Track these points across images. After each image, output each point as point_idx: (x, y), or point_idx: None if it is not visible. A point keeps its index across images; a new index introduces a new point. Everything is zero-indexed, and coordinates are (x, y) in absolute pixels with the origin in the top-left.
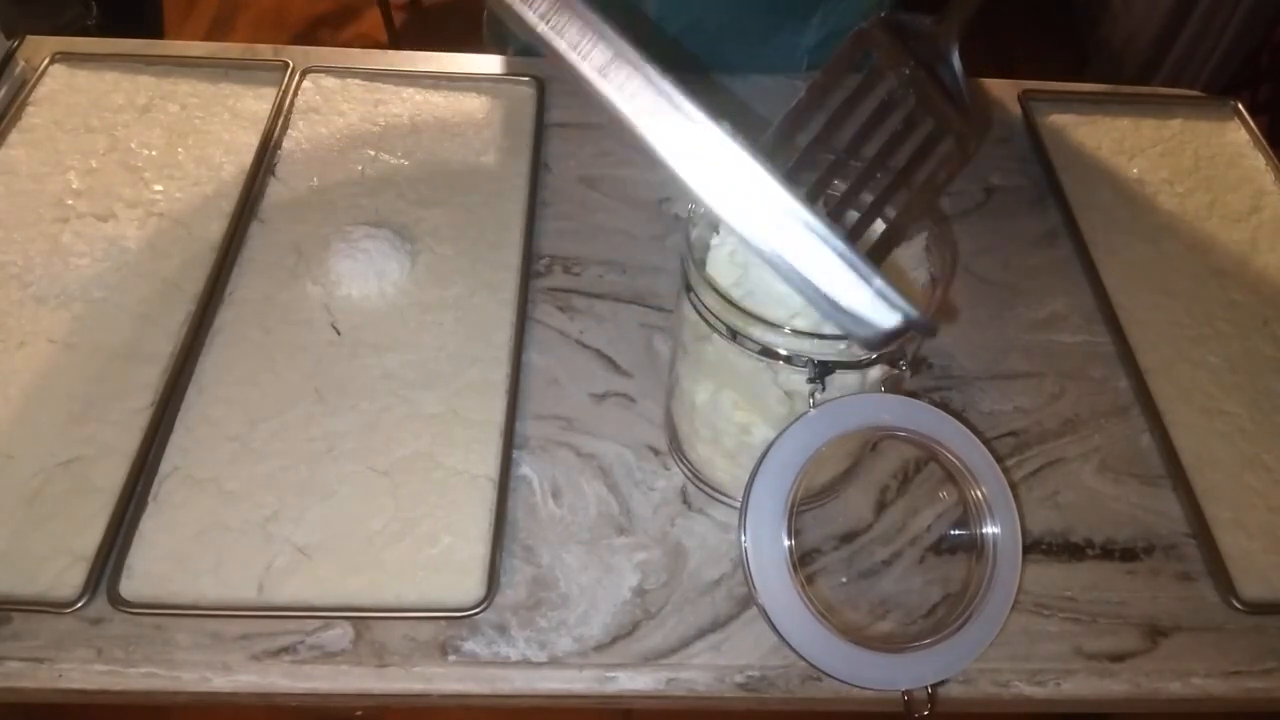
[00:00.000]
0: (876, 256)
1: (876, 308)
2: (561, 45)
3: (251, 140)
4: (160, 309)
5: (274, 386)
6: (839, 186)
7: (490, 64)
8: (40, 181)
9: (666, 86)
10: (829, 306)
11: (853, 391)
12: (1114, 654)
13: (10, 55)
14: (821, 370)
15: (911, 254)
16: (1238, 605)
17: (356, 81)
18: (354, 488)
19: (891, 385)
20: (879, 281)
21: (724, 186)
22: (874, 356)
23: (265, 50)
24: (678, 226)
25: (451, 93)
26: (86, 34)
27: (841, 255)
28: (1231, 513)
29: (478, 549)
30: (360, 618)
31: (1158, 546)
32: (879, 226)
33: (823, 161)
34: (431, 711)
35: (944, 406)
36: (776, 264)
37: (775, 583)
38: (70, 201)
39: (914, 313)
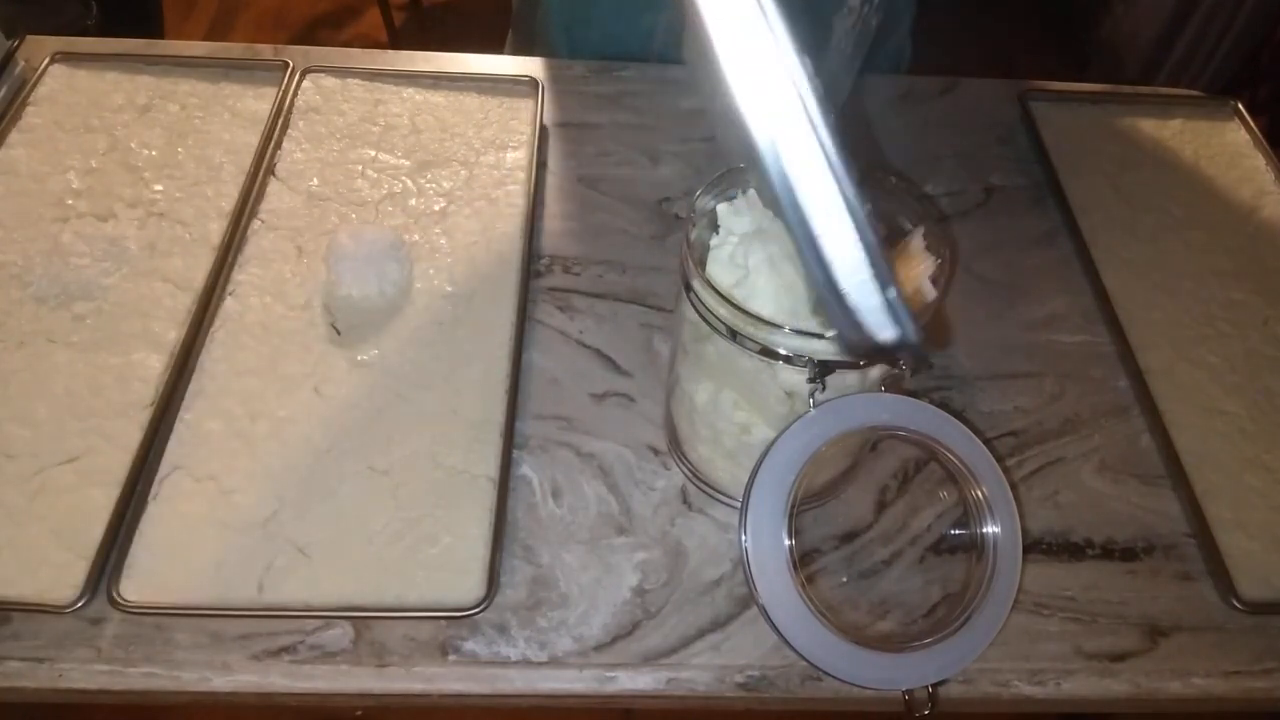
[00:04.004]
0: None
1: (878, 316)
2: None
3: (251, 140)
4: (160, 309)
5: (274, 386)
6: None
7: (490, 64)
8: (40, 181)
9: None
10: (833, 297)
11: (853, 391)
12: (1114, 654)
13: (10, 55)
14: (821, 370)
15: (915, 247)
16: (1238, 605)
17: (356, 81)
18: (354, 487)
19: (891, 385)
20: (893, 292)
21: (780, 131)
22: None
23: (265, 50)
24: (678, 226)
25: (451, 93)
26: (86, 34)
27: (869, 253)
28: (1231, 513)
29: (478, 549)
30: (360, 618)
31: (1158, 546)
32: None
33: None
34: (431, 711)
35: (944, 406)
36: (798, 231)
37: (775, 582)
38: (70, 201)
39: (914, 334)
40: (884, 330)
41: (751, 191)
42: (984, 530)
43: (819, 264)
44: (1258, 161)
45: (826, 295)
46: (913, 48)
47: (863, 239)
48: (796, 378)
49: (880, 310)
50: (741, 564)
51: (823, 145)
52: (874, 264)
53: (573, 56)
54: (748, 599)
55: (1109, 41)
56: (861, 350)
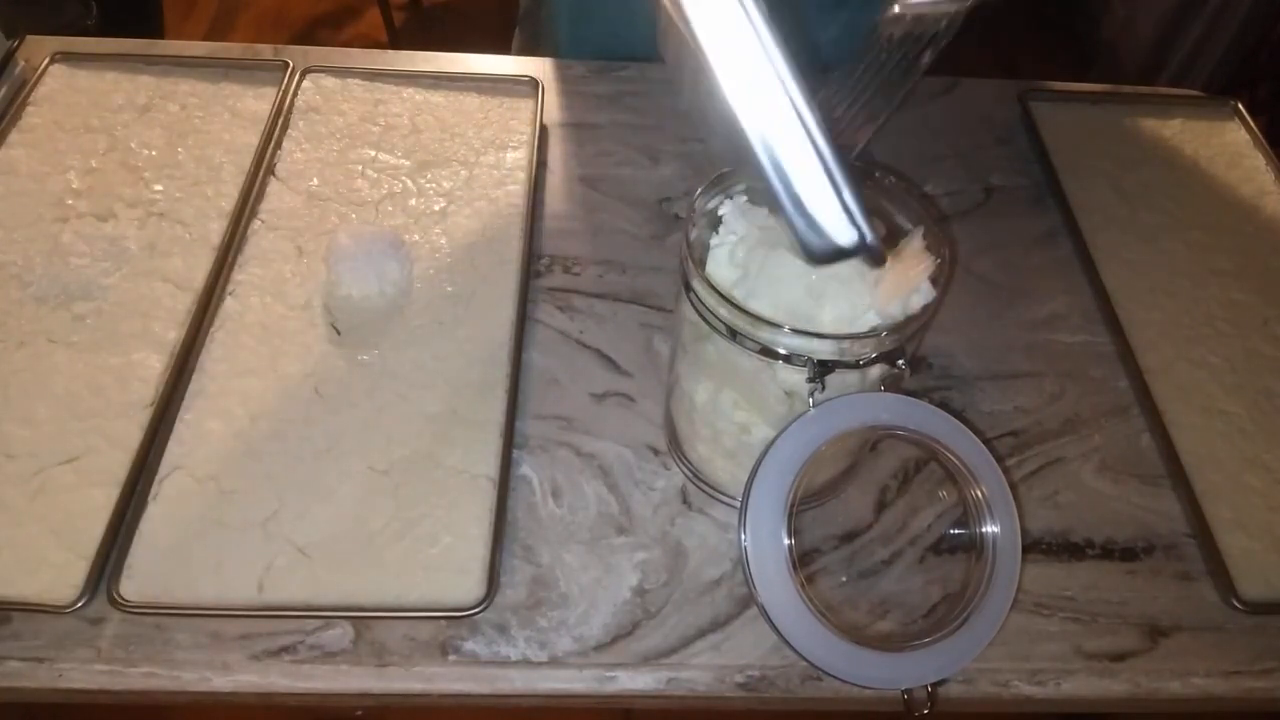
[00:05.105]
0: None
1: (836, 219)
2: None
3: (251, 140)
4: (160, 309)
5: (274, 386)
6: None
7: (490, 64)
8: (40, 181)
9: None
10: (791, 204)
11: (852, 391)
12: (1114, 654)
13: (10, 55)
14: (821, 369)
15: (915, 248)
16: (1238, 605)
17: (356, 81)
18: (354, 488)
19: (891, 384)
20: (849, 194)
21: (730, 45)
22: (874, 355)
23: (265, 50)
24: (678, 226)
25: (451, 93)
26: (86, 34)
27: (823, 155)
28: (1231, 513)
29: (478, 549)
30: (360, 618)
31: (1158, 546)
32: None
33: None
34: (431, 711)
35: (944, 406)
36: (755, 143)
37: (775, 582)
38: (70, 201)
39: (871, 235)
40: (842, 234)
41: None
42: (984, 530)
43: (777, 172)
44: (1258, 161)
45: (786, 203)
46: None
47: (815, 144)
48: (796, 377)
49: (839, 213)
50: (741, 564)
51: (769, 55)
52: (828, 169)
53: (577, 54)
54: (748, 599)
55: (1110, 42)
56: (823, 256)
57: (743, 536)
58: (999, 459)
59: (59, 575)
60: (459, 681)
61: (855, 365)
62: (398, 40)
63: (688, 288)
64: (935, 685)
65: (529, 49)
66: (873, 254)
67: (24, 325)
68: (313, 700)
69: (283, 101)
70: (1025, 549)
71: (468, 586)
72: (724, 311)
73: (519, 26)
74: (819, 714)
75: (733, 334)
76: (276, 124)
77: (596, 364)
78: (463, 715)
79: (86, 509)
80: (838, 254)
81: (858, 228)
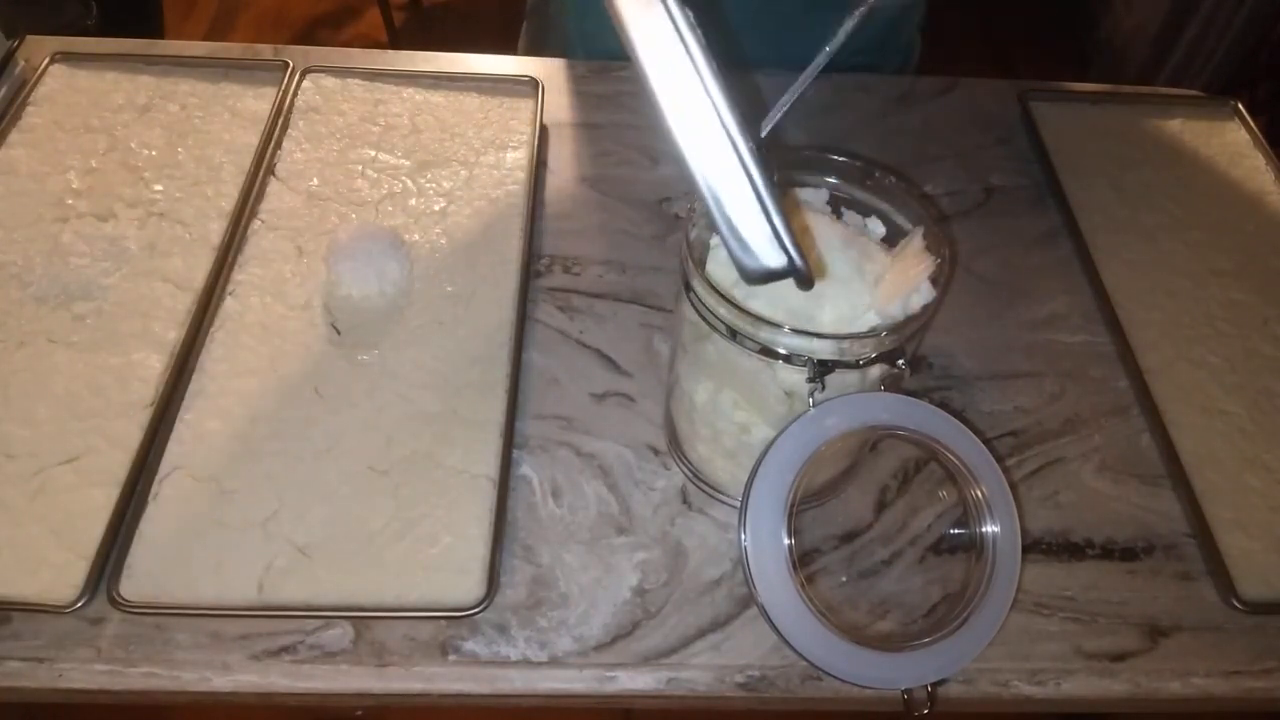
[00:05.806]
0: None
1: (767, 244)
2: None
3: (251, 140)
4: (160, 309)
5: (274, 386)
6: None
7: (490, 64)
8: (40, 181)
9: None
10: (727, 229)
11: (852, 390)
12: (1114, 654)
13: (10, 55)
14: (821, 369)
15: (915, 248)
16: (1238, 605)
17: (356, 81)
18: (354, 488)
19: (891, 384)
20: (778, 220)
21: (670, 72)
22: (873, 355)
23: (265, 50)
24: (678, 226)
25: (451, 93)
26: (86, 34)
27: (754, 182)
28: (1231, 513)
29: (478, 549)
30: (360, 618)
31: (1158, 546)
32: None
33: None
34: (431, 711)
35: (944, 406)
36: (694, 172)
37: (775, 582)
38: (70, 201)
39: (799, 260)
40: (772, 258)
41: None
42: (984, 530)
43: (714, 199)
44: (1258, 161)
45: (723, 227)
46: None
47: (749, 174)
48: (796, 377)
49: (769, 239)
50: (741, 563)
51: (708, 89)
52: (760, 198)
53: (586, 49)
54: (748, 599)
55: (1109, 41)
56: (756, 277)
57: (743, 536)
58: (999, 459)
59: (59, 575)
60: (459, 681)
61: (855, 365)
62: (398, 40)
63: (688, 288)
64: (935, 685)
65: (536, 43)
66: (800, 277)
67: (24, 325)
68: (313, 700)
69: (283, 101)
70: (1025, 549)
71: (468, 586)
72: (724, 311)
73: (526, 21)
74: (819, 714)
75: (733, 334)
76: (276, 124)
77: (596, 364)
78: (463, 715)
79: (86, 509)
80: (769, 275)
81: (786, 252)
